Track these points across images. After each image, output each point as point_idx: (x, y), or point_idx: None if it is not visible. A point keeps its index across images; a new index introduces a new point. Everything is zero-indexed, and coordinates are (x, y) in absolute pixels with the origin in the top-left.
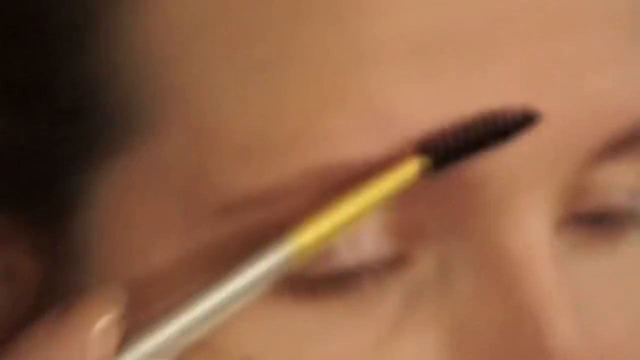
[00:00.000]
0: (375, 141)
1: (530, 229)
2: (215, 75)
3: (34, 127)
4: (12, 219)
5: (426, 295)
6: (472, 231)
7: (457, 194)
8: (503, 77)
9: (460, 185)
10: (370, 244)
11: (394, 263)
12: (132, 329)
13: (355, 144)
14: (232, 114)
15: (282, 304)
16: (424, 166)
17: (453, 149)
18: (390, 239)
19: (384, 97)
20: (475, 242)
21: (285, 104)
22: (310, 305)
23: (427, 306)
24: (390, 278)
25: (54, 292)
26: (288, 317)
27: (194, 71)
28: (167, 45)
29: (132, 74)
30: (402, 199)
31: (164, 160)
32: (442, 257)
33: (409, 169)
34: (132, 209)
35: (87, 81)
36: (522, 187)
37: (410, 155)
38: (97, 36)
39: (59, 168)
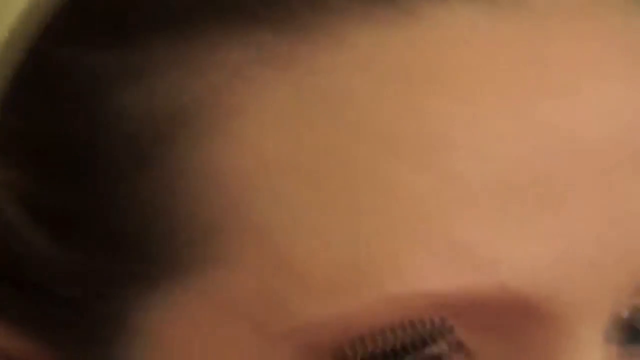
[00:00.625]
0: (453, 279)
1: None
2: (295, 210)
3: (77, 253)
4: (35, 346)
5: None
6: None
7: (524, 330)
8: (581, 220)
9: (522, 318)
10: None
11: None
12: None
13: (435, 280)
14: (311, 248)
15: None
16: None
17: None
18: None
19: (466, 238)
20: None
21: (366, 237)
22: None
23: None
24: None
25: None
26: None
27: (273, 205)
28: (246, 177)
29: (201, 205)
30: (469, 331)
31: (235, 294)
32: None
33: None
34: (192, 341)
35: (146, 210)
36: (581, 321)
37: None
38: (166, 165)
39: (97, 296)
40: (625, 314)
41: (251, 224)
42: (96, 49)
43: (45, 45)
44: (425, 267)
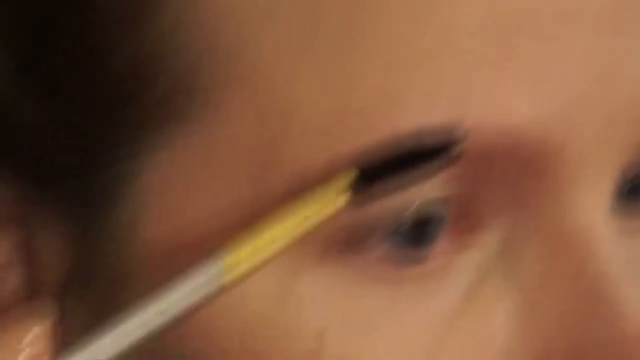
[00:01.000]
0: (449, 114)
1: (593, 206)
2: (289, 55)
3: (77, 109)
4: (44, 203)
5: (494, 271)
6: (538, 208)
7: (525, 170)
8: (570, 65)
9: (530, 162)
10: (439, 217)
11: (461, 244)
12: None
13: (431, 115)
14: (304, 93)
15: (356, 281)
16: (351, 183)
17: (380, 168)
18: (460, 213)
19: (461, 81)
20: (540, 220)
21: (359, 82)
22: (380, 289)
23: (494, 281)
24: (460, 253)
25: (89, 279)
26: (362, 293)
27: (265, 51)
28: (239, 24)
29: (194, 54)
30: (475, 176)
31: (226, 144)
32: (508, 234)
33: (338, 187)
34: (188, 191)
35: (143, 62)
36: (589, 164)
37: (344, 172)
38: (161, 14)
39: (105, 151)
40: (631, 170)
41: (247, 68)
42: None
43: None
44: (433, 106)
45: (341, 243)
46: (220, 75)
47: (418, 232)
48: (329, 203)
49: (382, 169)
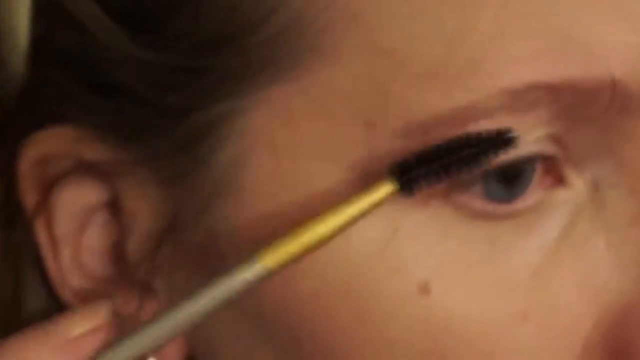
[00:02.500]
0: (567, 65)
1: None
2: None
3: (174, 54)
4: (135, 161)
5: (582, 216)
6: (624, 156)
7: (616, 120)
8: None
9: (618, 111)
10: (536, 156)
11: (554, 183)
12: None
13: (542, 67)
14: (416, 36)
15: (454, 228)
16: (393, 190)
17: (423, 175)
18: (554, 152)
19: (572, 21)
20: (627, 167)
21: (470, 27)
22: (482, 227)
23: (587, 219)
24: (551, 197)
25: (189, 231)
26: (460, 239)
27: None
28: None
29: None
30: (567, 122)
31: (337, 85)
32: (596, 181)
33: (379, 194)
34: (295, 136)
35: (245, 10)
36: None
37: (383, 178)
38: None
39: (199, 97)
40: None
41: (359, 9)
42: None
43: None
44: (541, 59)
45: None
46: (331, 16)
47: (516, 170)
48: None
49: (426, 160)
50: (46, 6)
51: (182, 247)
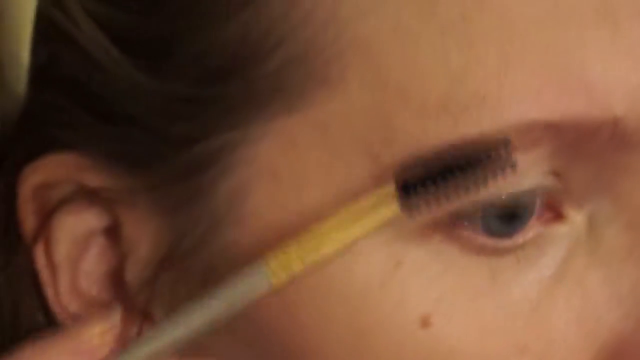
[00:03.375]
0: (569, 102)
1: None
2: (407, 31)
3: (181, 83)
4: (136, 189)
5: (580, 251)
6: (621, 191)
7: (614, 156)
8: None
9: (617, 147)
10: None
11: (553, 218)
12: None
13: (546, 104)
14: (422, 70)
15: (456, 262)
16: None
17: (428, 193)
18: (551, 193)
19: (576, 59)
20: (625, 197)
21: (475, 61)
22: (483, 262)
23: (581, 260)
24: (550, 232)
25: (190, 258)
26: (462, 273)
27: (384, 25)
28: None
29: (315, 26)
30: (567, 157)
31: (343, 116)
32: (593, 216)
33: (385, 211)
34: (299, 166)
35: (258, 33)
36: None
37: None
38: None
39: (204, 127)
40: None
41: (366, 42)
42: None
43: None
44: (545, 96)
45: (446, 217)
46: (340, 49)
47: (516, 204)
48: (377, 212)
49: (426, 178)
50: (51, 31)
51: (182, 274)
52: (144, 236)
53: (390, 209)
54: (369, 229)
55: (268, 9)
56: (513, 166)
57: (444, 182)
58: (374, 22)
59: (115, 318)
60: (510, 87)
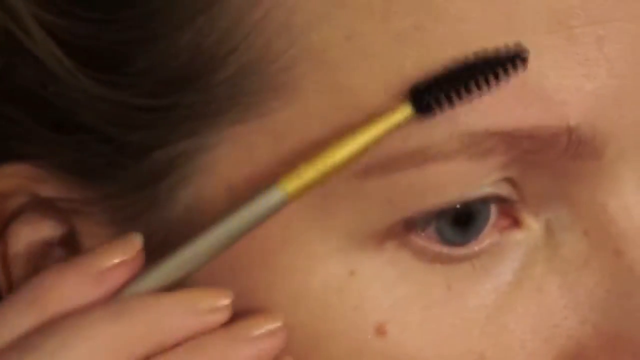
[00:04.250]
0: (523, 112)
1: (632, 191)
2: (360, 39)
3: (135, 92)
4: (85, 190)
5: (537, 258)
6: (578, 199)
7: (569, 164)
8: (617, 54)
9: (572, 156)
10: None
11: (510, 225)
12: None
13: (501, 113)
14: (375, 75)
15: (411, 270)
16: (410, 113)
17: (440, 95)
18: (506, 200)
19: (531, 68)
20: (582, 204)
21: (429, 70)
22: (438, 270)
23: (538, 267)
24: (507, 239)
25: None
26: (417, 282)
27: (338, 33)
28: (312, 6)
29: (265, 38)
30: (522, 166)
31: (298, 123)
32: (550, 223)
33: (398, 116)
34: (255, 174)
35: (208, 48)
36: (625, 155)
37: (401, 100)
38: (228, 6)
39: (160, 135)
40: None
41: (311, 50)
42: None
43: None
44: (500, 105)
45: (400, 224)
46: (294, 55)
47: (470, 212)
48: (391, 118)
49: (439, 82)
50: (4, 42)
51: None
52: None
53: (404, 112)
54: (381, 133)
55: (221, 17)
56: (524, 59)
57: (455, 82)
58: (328, 29)
59: (137, 246)
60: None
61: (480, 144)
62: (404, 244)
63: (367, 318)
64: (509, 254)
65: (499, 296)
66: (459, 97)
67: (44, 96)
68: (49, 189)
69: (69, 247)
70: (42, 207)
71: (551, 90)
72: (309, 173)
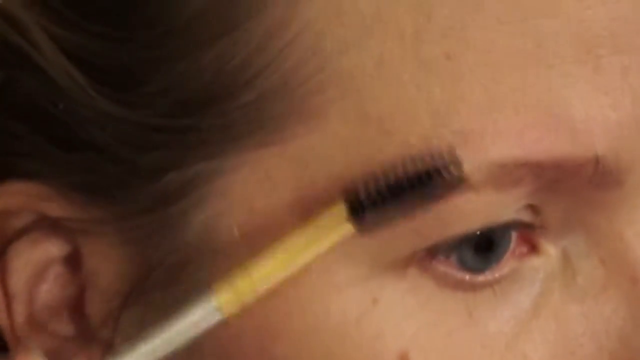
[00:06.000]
0: (552, 142)
1: None
2: (390, 67)
3: (151, 112)
4: (94, 211)
5: (554, 285)
6: (597, 227)
7: (589, 192)
8: None
9: (596, 185)
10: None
11: (528, 252)
12: None
13: (529, 143)
14: (404, 106)
15: (432, 297)
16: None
17: (374, 201)
18: (526, 226)
19: (558, 97)
20: (600, 233)
21: (458, 99)
22: (460, 297)
23: (555, 294)
24: (525, 266)
25: (154, 288)
26: (438, 309)
27: (367, 60)
28: (343, 31)
29: (292, 62)
30: (546, 193)
31: (321, 151)
32: (568, 250)
33: (334, 220)
34: (273, 199)
35: (230, 72)
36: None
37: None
38: (263, 15)
39: (176, 158)
40: None
41: (339, 76)
42: None
43: None
44: (528, 135)
45: (423, 251)
46: (321, 81)
47: (492, 239)
48: (330, 232)
49: (378, 196)
50: (8, 54)
51: (150, 308)
52: (107, 267)
53: (343, 227)
54: (322, 250)
55: (245, 40)
56: (462, 182)
57: (394, 198)
58: (357, 56)
59: None
60: (494, 125)
61: (509, 175)
62: (426, 270)
63: (389, 346)
64: (528, 280)
65: (518, 323)
66: (400, 213)
67: (51, 113)
68: (56, 208)
69: (71, 267)
70: (48, 226)
71: (578, 121)
72: (241, 285)
